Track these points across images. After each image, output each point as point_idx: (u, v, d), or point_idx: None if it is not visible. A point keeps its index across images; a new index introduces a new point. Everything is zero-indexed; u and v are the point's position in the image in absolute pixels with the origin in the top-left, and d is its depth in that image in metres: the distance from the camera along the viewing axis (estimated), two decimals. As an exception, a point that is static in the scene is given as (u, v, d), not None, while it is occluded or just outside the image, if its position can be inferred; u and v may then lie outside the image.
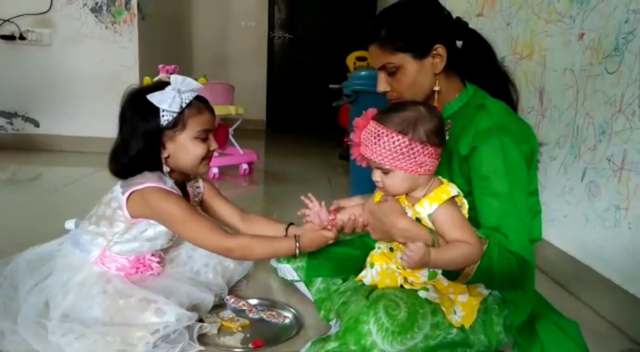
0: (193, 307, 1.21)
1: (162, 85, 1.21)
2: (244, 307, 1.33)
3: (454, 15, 1.21)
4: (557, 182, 1.76)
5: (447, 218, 1.02)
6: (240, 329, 1.24)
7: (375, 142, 1.01)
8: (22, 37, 3.46)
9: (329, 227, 1.23)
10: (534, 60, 1.96)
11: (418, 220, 1.05)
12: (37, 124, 3.63)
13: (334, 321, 1.19)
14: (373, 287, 1.14)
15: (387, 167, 1.02)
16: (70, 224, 1.33)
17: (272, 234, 1.36)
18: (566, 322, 1.14)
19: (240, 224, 1.41)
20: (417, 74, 1.13)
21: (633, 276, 1.39)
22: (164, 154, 1.23)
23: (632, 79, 1.40)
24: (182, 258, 1.40)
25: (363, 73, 2.58)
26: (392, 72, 1.15)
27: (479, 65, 1.21)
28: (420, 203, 1.04)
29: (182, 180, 1.34)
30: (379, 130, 1.01)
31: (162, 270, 1.32)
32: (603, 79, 1.54)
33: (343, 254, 1.38)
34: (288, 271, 1.41)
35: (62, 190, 2.62)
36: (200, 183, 1.41)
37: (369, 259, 1.20)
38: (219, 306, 1.34)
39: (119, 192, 1.21)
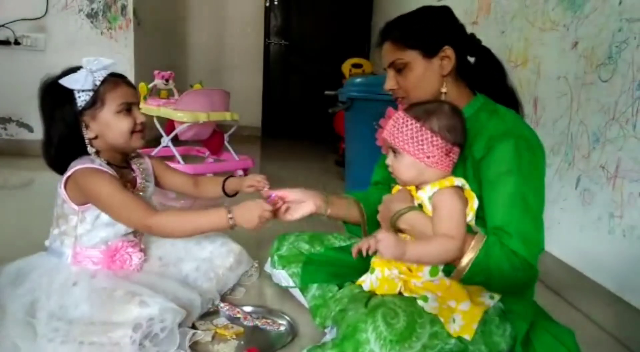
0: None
1: (74, 69, 1.21)
2: (238, 315, 1.33)
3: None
4: (551, 190, 1.77)
5: (443, 204, 1.05)
6: (234, 336, 1.23)
7: (394, 124, 1.09)
8: (17, 42, 3.44)
9: (268, 200, 1.23)
10: (528, 68, 1.97)
11: (420, 206, 1.08)
12: (31, 130, 3.61)
13: (329, 328, 1.18)
14: (371, 294, 1.13)
15: (396, 147, 1.09)
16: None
17: (214, 192, 1.47)
18: (561, 330, 1.13)
19: (193, 190, 1.48)
20: (424, 72, 1.17)
21: (627, 283, 1.40)
22: (90, 135, 1.22)
23: (626, 87, 1.41)
24: (171, 259, 1.39)
25: (359, 80, 2.58)
26: (401, 68, 1.18)
27: (489, 80, 1.23)
28: (423, 188, 1.09)
29: (124, 159, 1.33)
30: (399, 115, 1.10)
31: (143, 257, 1.31)
32: (597, 87, 1.55)
33: (339, 261, 1.38)
34: (283, 276, 1.41)
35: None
36: (146, 159, 1.41)
37: (371, 264, 1.19)
38: (213, 313, 1.33)
39: (59, 187, 1.22)
